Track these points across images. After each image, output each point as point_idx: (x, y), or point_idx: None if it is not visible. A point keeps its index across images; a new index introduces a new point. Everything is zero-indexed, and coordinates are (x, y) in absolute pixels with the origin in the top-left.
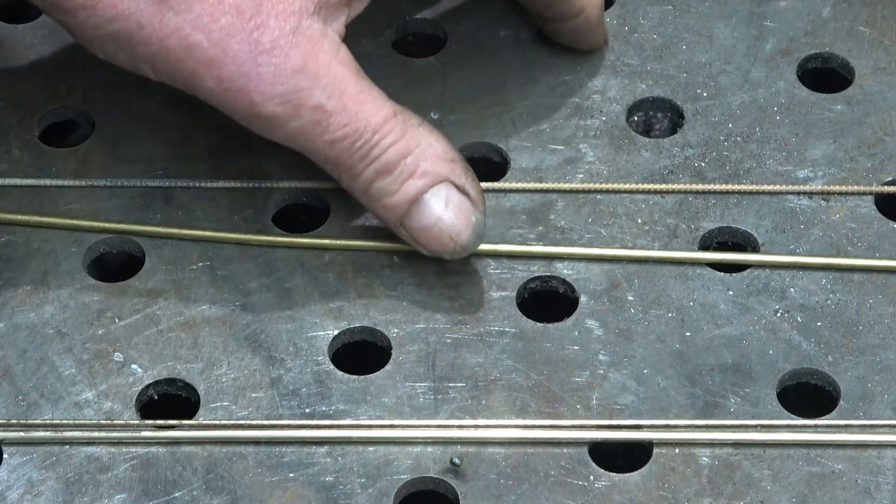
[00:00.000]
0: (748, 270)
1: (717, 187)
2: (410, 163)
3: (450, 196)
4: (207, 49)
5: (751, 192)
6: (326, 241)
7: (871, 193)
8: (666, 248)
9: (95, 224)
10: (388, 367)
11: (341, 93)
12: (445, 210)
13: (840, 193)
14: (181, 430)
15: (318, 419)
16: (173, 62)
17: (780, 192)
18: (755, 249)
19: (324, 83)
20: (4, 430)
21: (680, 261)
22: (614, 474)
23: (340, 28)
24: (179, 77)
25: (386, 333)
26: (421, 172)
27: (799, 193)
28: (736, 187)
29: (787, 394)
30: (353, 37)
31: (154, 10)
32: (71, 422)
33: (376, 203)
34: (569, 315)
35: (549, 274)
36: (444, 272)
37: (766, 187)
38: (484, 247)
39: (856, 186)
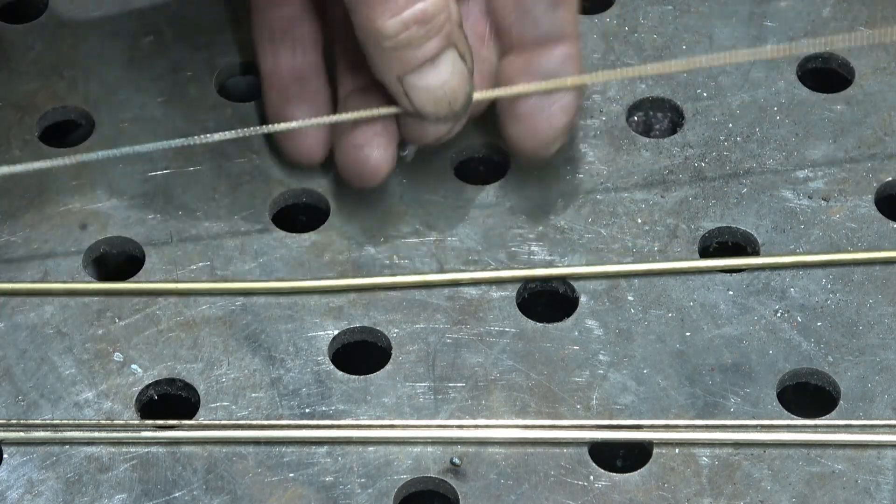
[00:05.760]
0: (748, 270)
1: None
2: (443, 20)
3: (455, 61)
4: None
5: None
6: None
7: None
8: (666, 249)
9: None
10: (388, 367)
11: None
12: (452, 74)
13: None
14: (181, 430)
15: (318, 419)
16: None
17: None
18: (755, 249)
19: None
20: (4, 430)
21: (682, 271)
22: (614, 474)
23: None
24: None
25: (386, 333)
26: (446, 33)
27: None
28: None
29: (787, 394)
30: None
31: None
32: (71, 422)
33: (396, 52)
34: (569, 315)
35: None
36: (444, 272)
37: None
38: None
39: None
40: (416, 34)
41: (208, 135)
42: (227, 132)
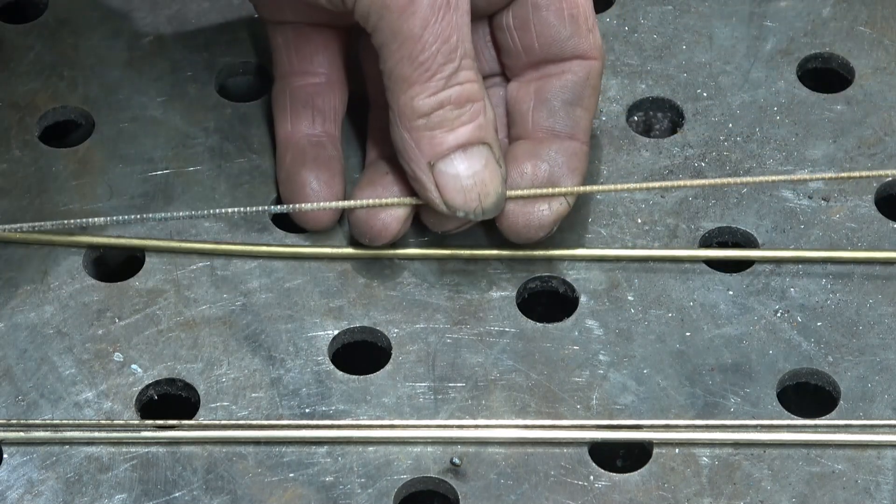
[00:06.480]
0: (748, 270)
1: (716, 181)
2: (477, 109)
3: (489, 158)
4: None
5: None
6: (328, 251)
7: (870, 177)
8: (666, 249)
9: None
10: (388, 367)
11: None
12: (484, 167)
13: (839, 179)
14: (181, 430)
15: (318, 419)
16: None
17: (778, 181)
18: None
19: None
20: (4, 430)
21: (679, 259)
22: (614, 474)
23: None
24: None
25: (386, 333)
26: (480, 124)
27: (792, 182)
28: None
29: (787, 394)
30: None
31: None
32: (71, 422)
33: (428, 132)
34: (569, 315)
35: (549, 274)
36: (444, 272)
37: (759, 178)
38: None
39: (859, 172)
40: (450, 115)
41: (222, 209)
42: (241, 208)
